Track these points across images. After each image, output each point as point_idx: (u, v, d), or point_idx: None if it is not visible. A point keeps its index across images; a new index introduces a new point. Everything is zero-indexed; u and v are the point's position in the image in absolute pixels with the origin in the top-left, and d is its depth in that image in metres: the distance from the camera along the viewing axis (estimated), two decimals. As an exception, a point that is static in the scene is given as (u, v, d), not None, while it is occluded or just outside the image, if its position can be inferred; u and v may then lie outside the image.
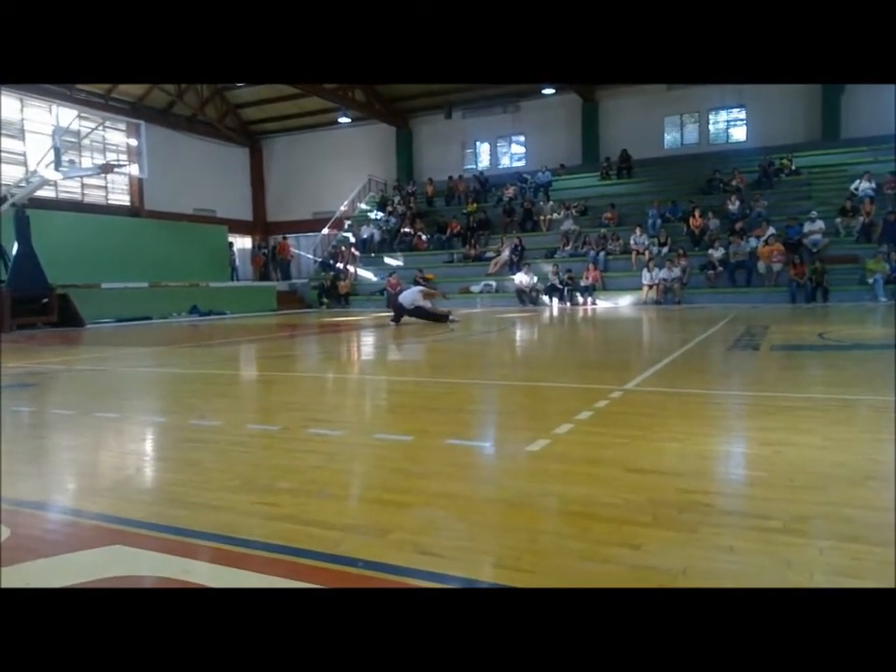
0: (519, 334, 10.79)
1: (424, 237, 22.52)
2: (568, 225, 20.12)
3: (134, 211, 23.26)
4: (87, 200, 22.38)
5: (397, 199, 24.79)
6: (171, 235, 20.41)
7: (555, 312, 16.34)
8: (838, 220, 16.97)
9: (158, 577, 1.79)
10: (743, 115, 22.30)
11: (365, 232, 23.63)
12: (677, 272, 16.87)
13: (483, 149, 26.13)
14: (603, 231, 19.37)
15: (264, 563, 1.84)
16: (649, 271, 17.09)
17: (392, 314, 12.52)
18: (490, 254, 20.61)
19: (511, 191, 22.76)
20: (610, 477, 2.56)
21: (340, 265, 22.72)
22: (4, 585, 1.69)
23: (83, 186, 22.25)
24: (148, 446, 3.57)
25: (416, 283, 16.31)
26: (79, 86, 21.20)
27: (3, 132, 19.00)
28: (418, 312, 11.99)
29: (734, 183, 19.50)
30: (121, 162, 21.29)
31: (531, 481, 2.58)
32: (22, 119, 20.54)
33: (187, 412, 4.33)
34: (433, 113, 25.52)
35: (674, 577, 1.69)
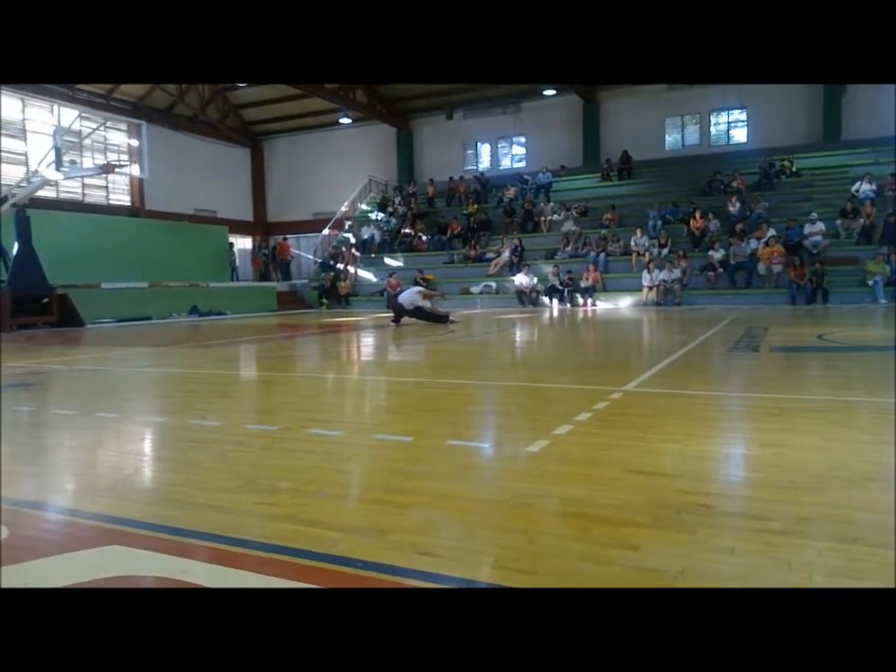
0: (519, 335, 10.79)
1: (424, 238, 22.52)
2: (569, 226, 20.13)
3: (135, 211, 23.27)
4: (87, 200, 22.39)
5: (397, 199, 24.80)
6: (171, 235, 20.44)
7: (555, 313, 16.34)
8: (839, 222, 16.97)
9: (156, 577, 1.79)
10: (744, 116, 22.30)
11: (365, 233, 23.64)
12: (677, 273, 16.87)
13: (484, 150, 26.14)
14: (603, 232, 19.37)
15: (262, 563, 1.84)
16: (649, 272, 17.09)
17: (392, 314, 12.52)
18: (490, 255, 20.62)
19: (511, 192, 22.77)
20: (610, 478, 2.56)
21: (340, 266, 22.73)
22: (2, 585, 1.69)
23: (84, 186, 22.26)
24: (147, 446, 3.57)
25: (416, 283, 16.32)
26: (81, 86, 21.21)
27: (4, 131, 19.02)
28: (418, 312, 11.99)
29: (734, 184, 19.50)
30: (122, 163, 21.30)
31: (530, 482, 2.57)
32: (24, 119, 20.55)
33: (186, 412, 4.33)
34: (434, 114, 25.53)
35: (673, 578, 1.69)
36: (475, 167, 25.68)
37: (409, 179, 25.80)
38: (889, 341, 7.55)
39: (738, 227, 17.31)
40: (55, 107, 20.18)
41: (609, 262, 18.64)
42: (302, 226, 27.43)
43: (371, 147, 26.99)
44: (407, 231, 23.10)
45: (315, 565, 1.82)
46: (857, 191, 17.45)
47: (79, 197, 22.15)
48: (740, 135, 22.48)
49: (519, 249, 19.78)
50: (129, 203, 23.75)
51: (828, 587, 1.62)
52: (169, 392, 5.48)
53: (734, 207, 18.41)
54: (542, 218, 21.35)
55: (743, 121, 22.38)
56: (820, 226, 16.63)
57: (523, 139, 25.26)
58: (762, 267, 16.43)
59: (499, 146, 25.84)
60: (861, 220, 16.59)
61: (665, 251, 17.89)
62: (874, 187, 17.31)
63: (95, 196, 22.74)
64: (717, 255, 16.99)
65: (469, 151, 26.21)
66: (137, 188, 23.52)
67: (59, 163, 14.84)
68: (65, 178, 16.77)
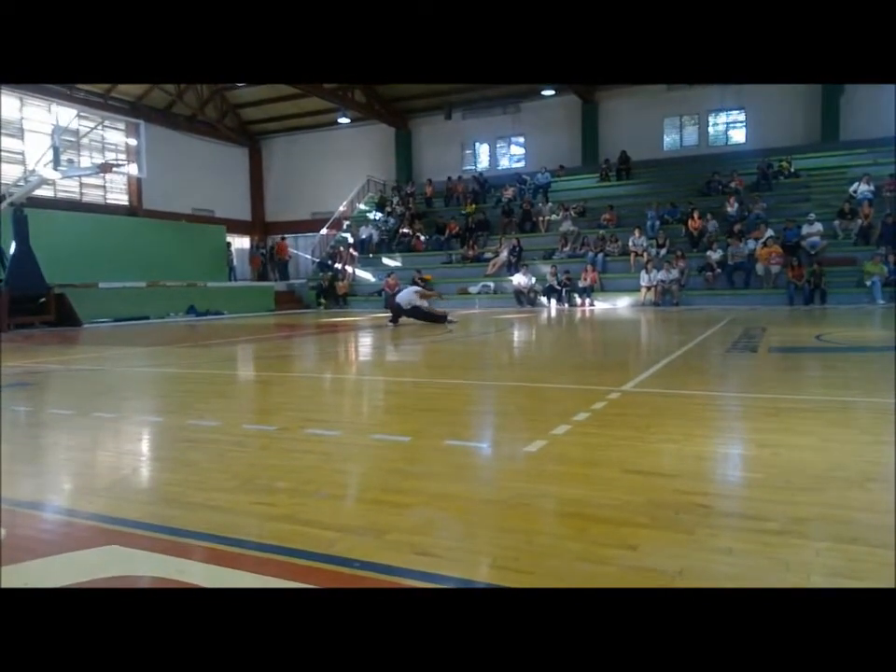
0: (517, 335, 10.80)
1: (422, 238, 22.51)
2: (567, 226, 20.13)
3: (133, 210, 23.25)
4: (85, 199, 22.36)
5: (395, 199, 24.79)
6: (169, 235, 20.41)
7: (553, 313, 16.35)
8: (837, 223, 17.00)
9: (153, 577, 1.79)
10: (742, 117, 22.33)
11: (364, 233, 23.63)
12: (675, 273, 16.88)
13: (483, 150, 26.14)
14: (602, 232, 19.37)
15: (260, 563, 1.84)
16: (647, 272, 17.10)
17: (390, 314, 12.52)
18: (488, 255, 20.62)
19: (509, 192, 22.77)
20: (608, 478, 2.56)
21: (338, 265, 22.71)
22: (1, 585, 1.69)
23: (81, 185, 22.22)
24: (145, 446, 3.56)
25: (414, 283, 16.32)
26: (79, 85, 21.17)
27: (2, 130, 18.98)
28: (416, 312, 11.99)
29: (732, 185, 19.52)
30: (120, 162, 21.30)
31: (529, 482, 2.58)
32: (21, 118, 20.52)
33: (184, 412, 4.32)
34: (433, 114, 25.53)
35: (671, 578, 1.69)
36: (473, 167, 25.67)
37: (407, 179, 25.80)
38: (887, 341, 7.56)
39: (736, 227, 17.32)
40: (53, 106, 20.22)
41: (607, 262, 18.64)
42: (300, 226, 27.42)
43: (370, 147, 26.98)
44: (405, 230, 23.10)
45: (313, 565, 1.82)
46: (855, 192, 17.47)
47: (77, 196, 22.12)
48: (738, 136, 22.51)
49: (517, 249, 19.78)
50: (126, 203, 23.72)
51: (827, 587, 1.62)
52: (166, 392, 5.47)
53: (732, 208, 18.43)
54: (541, 218, 21.36)
55: (741, 122, 22.41)
56: (818, 226, 16.65)
57: (521, 139, 25.27)
58: (760, 267, 16.46)
59: (498, 146, 25.84)
60: (859, 221, 16.62)
61: (663, 251, 17.90)
62: (871, 187, 17.34)
63: (93, 195, 22.71)
64: (715, 255, 17.01)
65: (468, 151, 26.21)
66: (135, 187, 23.49)
67: (56, 162, 14.82)
68: (63, 177, 16.76)
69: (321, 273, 22.58)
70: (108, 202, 23.19)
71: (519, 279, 18.51)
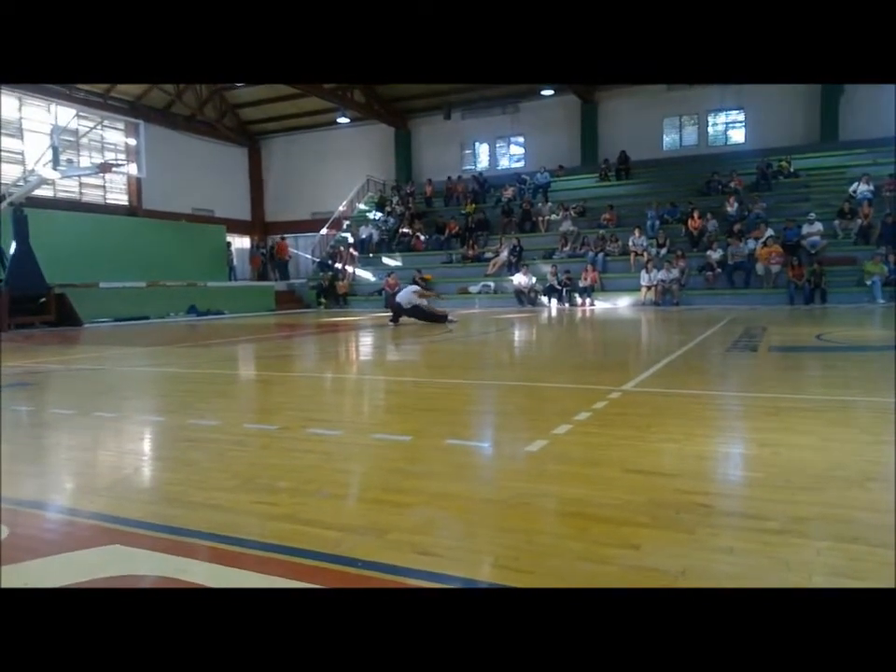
0: (517, 335, 10.80)
1: (422, 237, 22.51)
2: (567, 226, 20.13)
3: (132, 210, 23.24)
4: (85, 199, 22.35)
5: (395, 199, 24.79)
6: (169, 235, 20.41)
7: (554, 313, 16.35)
8: (836, 222, 17.00)
9: (155, 576, 1.79)
10: (742, 117, 22.32)
11: (363, 233, 23.63)
12: (675, 273, 16.88)
13: (482, 150, 26.14)
14: (601, 232, 19.37)
15: (262, 562, 1.84)
16: (647, 272, 17.10)
17: (391, 314, 12.53)
18: (489, 254, 20.61)
19: (509, 192, 22.76)
20: (609, 478, 2.56)
21: (338, 265, 22.71)
22: (2, 585, 1.69)
23: (81, 185, 22.22)
24: (146, 446, 3.56)
25: (414, 283, 16.32)
26: (78, 85, 21.17)
27: (1, 130, 18.98)
28: (416, 312, 11.99)
29: (732, 185, 19.52)
30: (120, 162, 21.29)
31: (529, 481, 2.58)
32: (21, 118, 20.51)
33: (184, 411, 4.32)
34: (432, 113, 25.51)
35: (673, 578, 1.69)
36: (473, 167, 25.67)
37: (407, 179, 25.80)
38: (887, 340, 7.56)
39: (736, 227, 17.33)
40: (52, 106, 20.22)
41: (607, 262, 18.64)
42: (300, 225, 27.42)
43: (369, 147, 26.98)
44: (405, 230, 23.09)
45: (314, 564, 1.82)
46: (854, 192, 17.48)
47: (77, 196, 22.11)
48: (738, 136, 22.50)
49: (517, 249, 19.78)
50: (126, 203, 23.71)
51: (828, 587, 1.62)
52: (167, 391, 5.47)
53: (732, 207, 18.43)
54: (540, 218, 21.35)
55: (741, 122, 22.41)
56: (818, 226, 16.65)
57: (521, 139, 25.26)
58: (760, 267, 16.46)
59: (497, 146, 25.83)
60: (859, 221, 16.62)
61: (663, 251, 17.90)
62: (871, 187, 17.34)
63: (93, 195, 22.71)
64: (715, 255, 17.01)
65: (468, 151, 26.20)
66: (135, 187, 23.49)
67: (56, 162, 14.82)
68: (63, 177, 16.78)
69: (321, 273, 22.58)
70: (108, 201, 23.19)
71: (519, 279, 18.52)
